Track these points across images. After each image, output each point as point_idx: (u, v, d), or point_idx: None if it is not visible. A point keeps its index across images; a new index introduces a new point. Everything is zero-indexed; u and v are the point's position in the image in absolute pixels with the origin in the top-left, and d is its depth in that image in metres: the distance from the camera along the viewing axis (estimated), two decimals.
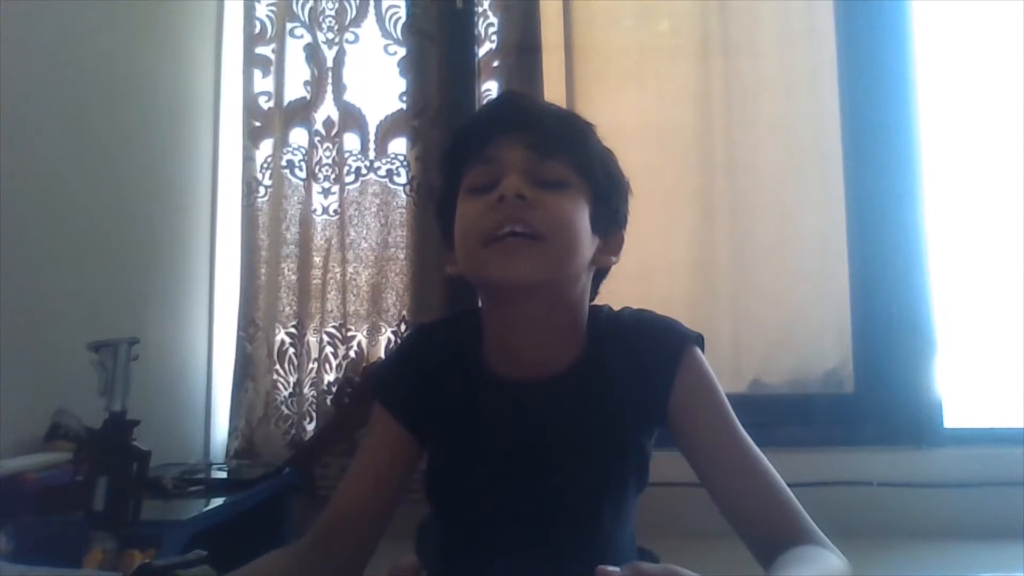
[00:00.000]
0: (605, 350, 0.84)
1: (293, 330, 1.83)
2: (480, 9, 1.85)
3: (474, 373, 0.84)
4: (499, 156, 0.80)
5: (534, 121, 0.82)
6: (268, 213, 1.85)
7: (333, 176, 1.86)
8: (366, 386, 1.71)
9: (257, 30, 1.89)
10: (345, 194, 1.85)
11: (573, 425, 0.83)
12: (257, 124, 1.87)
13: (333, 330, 1.83)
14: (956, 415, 1.71)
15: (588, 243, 0.81)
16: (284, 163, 1.86)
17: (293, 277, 1.84)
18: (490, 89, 1.84)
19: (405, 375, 0.87)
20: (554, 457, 0.83)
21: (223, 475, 1.58)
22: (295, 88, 1.87)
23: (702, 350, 0.86)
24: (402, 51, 1.86)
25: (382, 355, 1.80)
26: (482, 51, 1.85)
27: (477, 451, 0.85)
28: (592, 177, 0.83)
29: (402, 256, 1.83)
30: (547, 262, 0.77)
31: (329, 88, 1.86)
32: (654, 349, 0.84)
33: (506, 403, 0.83)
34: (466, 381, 0.84)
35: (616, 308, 0.90)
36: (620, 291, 0.92)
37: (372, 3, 1.88)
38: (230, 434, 1.81)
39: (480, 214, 0.79)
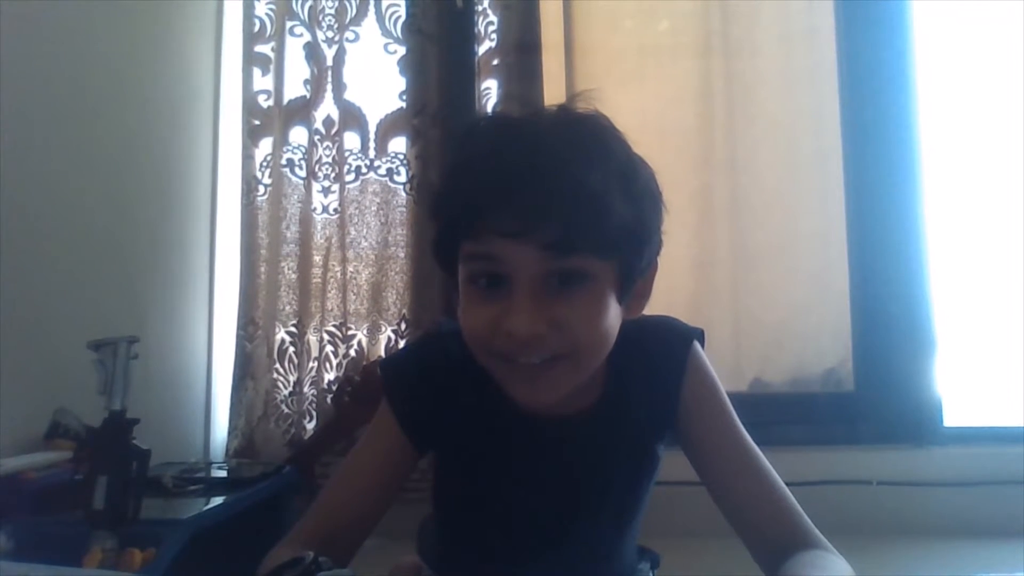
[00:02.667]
0: (620, 372, 0.81)
1: (293, 329, 1.83)
2: (480, 8, 1.85)
3: (494, 402, 0.79)
4: (505, 257, 0.67)
5: (550, 217, 0.65)
6: (268, 212, 1.85)
7: (333, 175, 1.86)
8: (367, 385, 1.71)
9: (256, 28, 1.89)
10: (345, 193, 1.85)
11: (599, 456, 0.81)
12: (256, 123, 1.87)
13: (334, 329, 1.83)
14: (956, 414, 1.71)
15: (615, 324, 0.72)
16: (284, 162, 1.86)
17: (293, 276, 1.84)
18: (489, 88, 1.83)
19: (419, 384, 0.82)
20: (581, 489, 0.82)
21: (223, 474, 1.57)
22: (295, 87, 1.87)
23: (702, 344, 0.86)
24: (402, 50, 1.85)
25: (382, 354, 1.80)
26: (482, 50, 1.85)
27: (495, 477, 0.83)
28: (619, 252, 0.70)
29: (402, 255, 1.83)
30: (571, 378, 0.73)
31: (329, 87, 1.86)
32: (660, 356, 0.83)
33: (530, 438, 0.80)
34: (486, 407, 0.80)
35: None
36: None
37: (372, 2, 1.88)
38: (230, 433, 1.81)
39: (488, 330, 0.69)
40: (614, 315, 0.72)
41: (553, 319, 0.67)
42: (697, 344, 0.85)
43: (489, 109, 1.83)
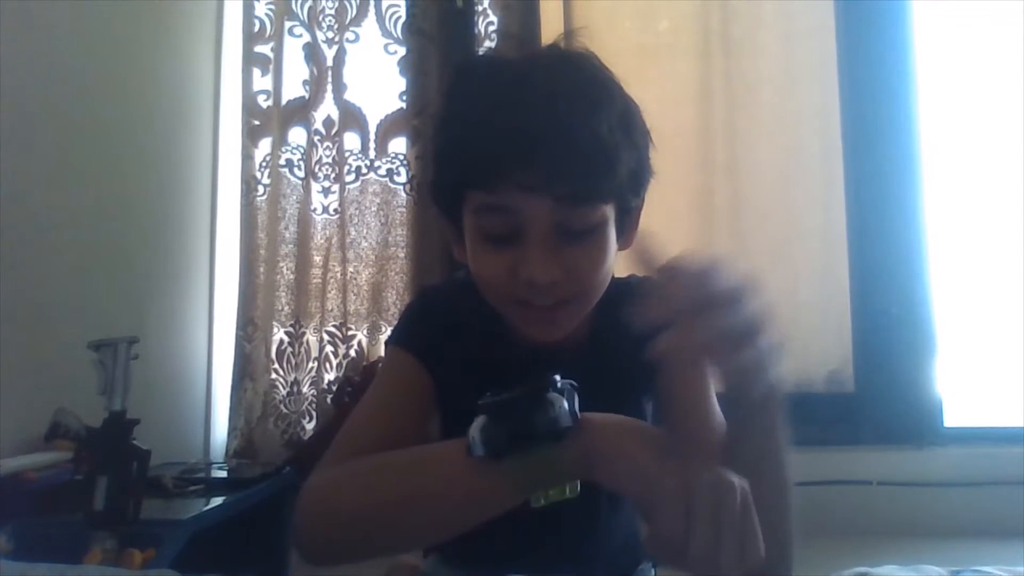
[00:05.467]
0: (615, 315, 0.82)
1: (292, 329, 1.83)
2: (480, 8, 1.85)
3: (491, 333, 0.81)
4: (520, 208, 0.70)
5: (566, 170, 0.68)
6: (266, 212, 1.85)
7: (333, 175, 1.86)
8: (366, 385, 1.70)
9: (256, 29, 1.89)
10: (345, 193, 1.85)
11: (590, 388, 0.82)
12: (256, 123, 1.87)
13: (333, 329, 1.83)
14: (956, 414, 1.71)
15: (614, 259, 0.77)
16: (283, 162, 1.86)
17: (292, 276, 1.84)
18: None
19: (427, 324, 0.84)
20: None
21: (223, 474, 1.58)
22: (294, 87, 1.87)
23: None
24: (402, 50, 1.85)
25: (382, 354, 1.80)
26: (482, 50, 1.85)
27: None
28: (624, 195, 0.75)
29: (402, 255, 1.83)
30: (578, 315, 0.76)
31: (329, 87, 1.86)
32: None
33: (527, 365, 0.79)
34: (485, 340, 0.82)
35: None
36: None
37: (372, 2, 1.88)
38: (230, 433, 1.81)
39: (505, 277, 0.72)
40: (614, 252, 0.76)
41: (566, 265, 0.71)
42: None
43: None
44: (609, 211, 0.73)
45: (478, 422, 0.61)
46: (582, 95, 0.70)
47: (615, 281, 0.87)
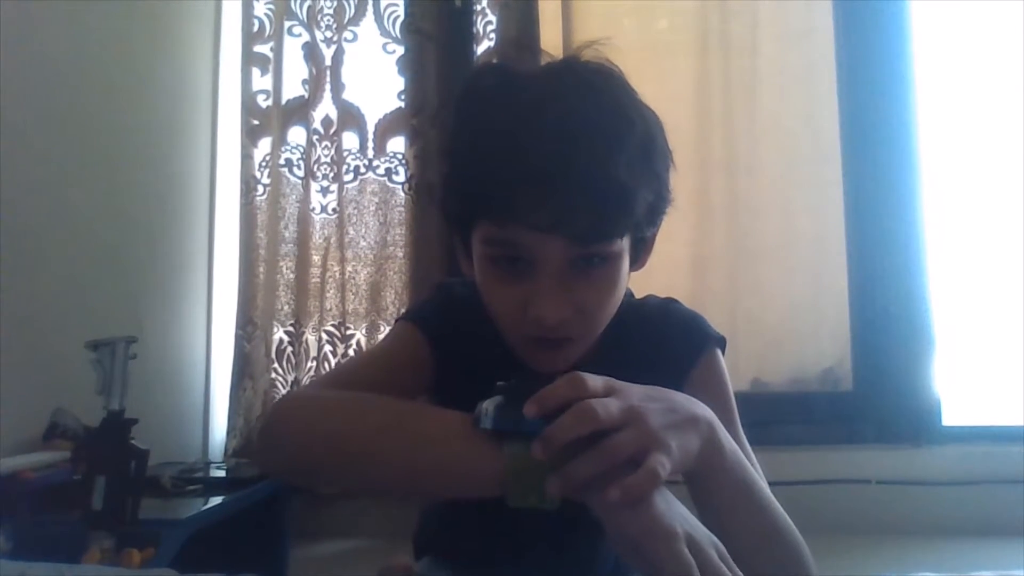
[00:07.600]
0: (627, 336, 0.81)
1: (291, 328, 1.83)
2: (478, 7, 1.85)
3: (498, 347, 0.79)
4: (530, 246, 0.68)
5: (581, 212, 0.65)
6: (266, 212, 1.85)
7: (332, 175, 1.86)
8: None
9: (255, 28, 1.89)
10: (344, 193, 1.85)
11: None
12: (255, 122, 1.87)
13: (332, 328, 1.83)
14: (954, 413, 1.71)
15: (626, 284, 0.76)
16: (282, 162, 1.86)
17: (291, 276, 1.84)
18: None
19: (445, 316, 0.83)
20: None
21: (221, 474, 1.57)
22: (293, 87, 1.87)
23: (723, 352, 0.86)
24: (400, 50, 1.86)
25: None
26: (480, 49, 1.85)
27: None
28: (640, 227, 0.72)
29: (401, 254, 1.83)
30: (584, 347, 0.75)
31: (327, 87, 1.86)
32: (675, 342, 0.83)
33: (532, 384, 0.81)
34: (491, 351, 0.79)
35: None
36: None
37: (371, 2, 1.88)
38: (228, 433, 1.81)
39: (515, 311, 0.71)
40: (625, 281, 0.75)
41: (576, 300, 0.70)
42: (718, 350, 0.85)
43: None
44: (624, 243, 0.71)
45: (493, 399, 0.60)
46: (599, 131, 0.67)
47: (630, 302, 0.86)
